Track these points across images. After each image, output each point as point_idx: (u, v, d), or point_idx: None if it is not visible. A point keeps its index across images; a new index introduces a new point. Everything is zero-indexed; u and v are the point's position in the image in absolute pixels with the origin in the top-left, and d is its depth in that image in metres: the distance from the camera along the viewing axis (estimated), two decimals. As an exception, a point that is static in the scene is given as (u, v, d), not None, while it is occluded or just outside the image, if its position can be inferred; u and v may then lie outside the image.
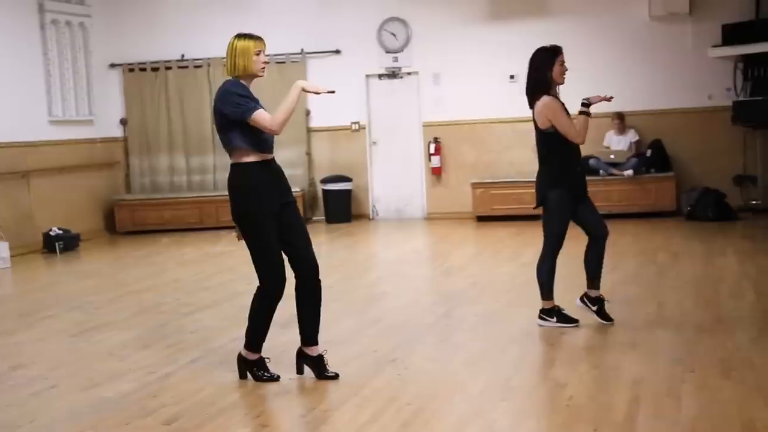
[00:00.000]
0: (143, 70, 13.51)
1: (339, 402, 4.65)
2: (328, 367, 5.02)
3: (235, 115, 4.74)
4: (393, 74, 13.09)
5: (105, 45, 13.14)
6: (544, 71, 5.82)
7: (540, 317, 5.99)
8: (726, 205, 11.26)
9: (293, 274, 5.02)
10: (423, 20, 12.82)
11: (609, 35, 11.90)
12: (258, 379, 5.02)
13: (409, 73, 13.03)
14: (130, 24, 13.46)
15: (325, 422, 4.36)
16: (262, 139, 4.84)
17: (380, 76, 13.15)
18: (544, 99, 5.78)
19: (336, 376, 4.99)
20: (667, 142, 11.82)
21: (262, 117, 4.74)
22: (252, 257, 4.98)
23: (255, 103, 4.78)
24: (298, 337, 5.09)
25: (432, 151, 12.85)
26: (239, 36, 4.94)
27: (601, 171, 11.72)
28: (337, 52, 13.02)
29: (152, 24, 13.48)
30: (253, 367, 5.05)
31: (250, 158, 4.83)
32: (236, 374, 5.17)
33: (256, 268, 4.97)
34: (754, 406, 4.23)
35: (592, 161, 11.96)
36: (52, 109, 12.07)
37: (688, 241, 9.65)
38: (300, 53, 12.96)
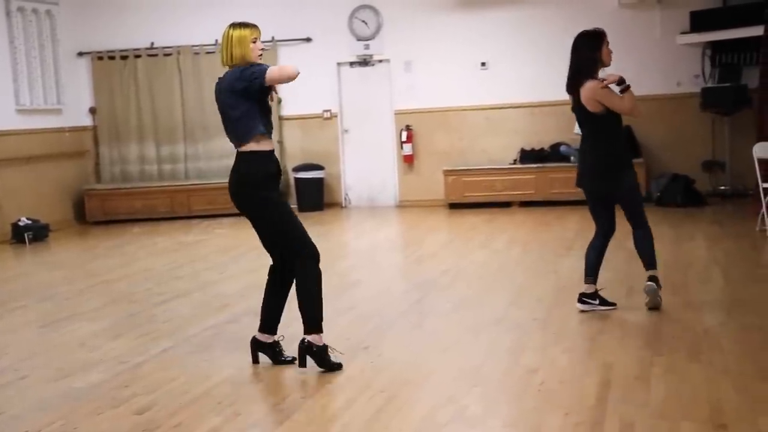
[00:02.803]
0: (112, 58, 13.38)
1: (312, 390, 4.66)
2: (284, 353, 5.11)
3: (258, 82, 4.73)
4: (364, 62, 13.07)
5: (73, 33, 12.99)
6: (593, 53, 5.81)
7: (582, 300, 5.99)
8: (695, 190, 11.38)
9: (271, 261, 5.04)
10: (394, 7, 12.80)
11: (579, 22, 11.73)
12: (331, 366, 4.91)
13: (380, 61, 13.01)
14: (98, 12, 13.32)
15: (298, 410, 4.36)
16: (270, 123, 4.93)
17: (351, 63, 13.12)
18: (589, 84, 5.74)
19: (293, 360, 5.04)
20: (636, 129, 11.90)
21: (275, 70, 4.77)
22: (284, 239, 4.93)
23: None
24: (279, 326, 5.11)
25: (404, 138, 12.85)
26: (234, 25, 4.91)
27: (572, 157, 11.78)
28: (308, 40, 12.97)
29: (121, 12, 13.34)
30: (326, 352, 4.92)
31: (266, 146, 4.87)
32: (207, 363, 5.18)
33: (291, 248, 4.91)
34: (722, 388, 4.29)
35: (563, 148, 12.05)
36: (19, 98, 11.92)
37: (658, 226, 9.64)
38: (271, 41, 12.89)
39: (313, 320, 4.92)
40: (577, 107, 5.89)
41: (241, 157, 4.90)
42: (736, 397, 4.16)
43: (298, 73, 4.79)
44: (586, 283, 6.01)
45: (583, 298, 6.01)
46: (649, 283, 5.90)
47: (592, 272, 6.01)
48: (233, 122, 4.87)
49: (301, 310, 4.93)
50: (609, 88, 5.75)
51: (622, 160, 5.88)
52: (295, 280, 4.98)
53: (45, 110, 12.43)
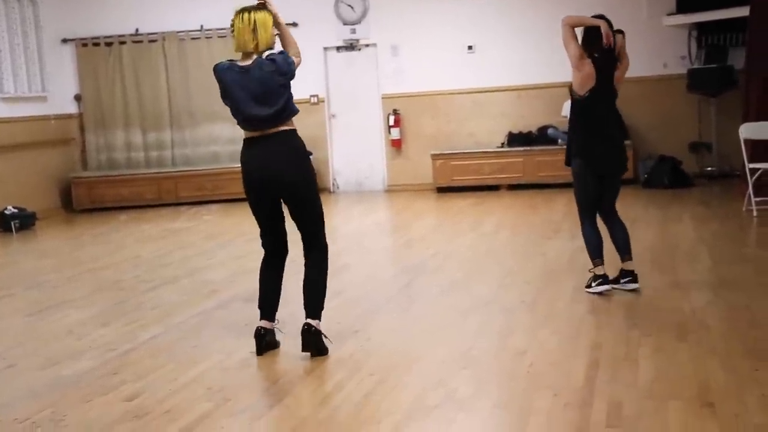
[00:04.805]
0: (97, 45, 13.28)
1: (302, 374, 4.66)
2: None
3: (294, 73, 4.78)
4: (351, 46, 13.02)
5: (56, 20, 12.88)
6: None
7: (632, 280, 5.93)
8: (681, 172, 11.41)
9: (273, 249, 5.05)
10: (380, -9, 12.76)
11: (565, 5, 11.86)
12: (322, 351, 4.89)
13: (367, 45, 12.97)
14: (81, -2, 13.22)
15: (288, 394, 4.37)
16: None
17: (338, 48, 13.08)
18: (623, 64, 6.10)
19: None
20: (623, 111, 11.83)
21: (298, 61, 4.84)
22: (318, 221, 4.98)
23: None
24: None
25: (391, 123, 12.83)
26: (254, 9, 4.81)
27: (559, 140, 11.78)
28: (294, 24, 12.88)
29: (105, -2, 13.26)
30: (321, 337, 4.90)
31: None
32: (196, 349, 5.18)
33: (318, 232, 4.98)
34: (710, 367, 4.32)
35: (550, 131, 12.05)
36: (3, 85, 11.83)
37: (645, 208, 9.76)
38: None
39: (317, 307, 4.92)
40: (608, 86, 5.97)
41: (287, 134, 4.80)
42: (723, 376, 4.18)
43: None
44: (596, 266, 5.91)
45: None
46: (636, 285, 5.91)
47: (599, 253, 5.93)
48: (281, 106, 4.75)
49: (307, 296, 4.92)
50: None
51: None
52: (306, 266, 4.96)
53: (30, 98, 12.34)
